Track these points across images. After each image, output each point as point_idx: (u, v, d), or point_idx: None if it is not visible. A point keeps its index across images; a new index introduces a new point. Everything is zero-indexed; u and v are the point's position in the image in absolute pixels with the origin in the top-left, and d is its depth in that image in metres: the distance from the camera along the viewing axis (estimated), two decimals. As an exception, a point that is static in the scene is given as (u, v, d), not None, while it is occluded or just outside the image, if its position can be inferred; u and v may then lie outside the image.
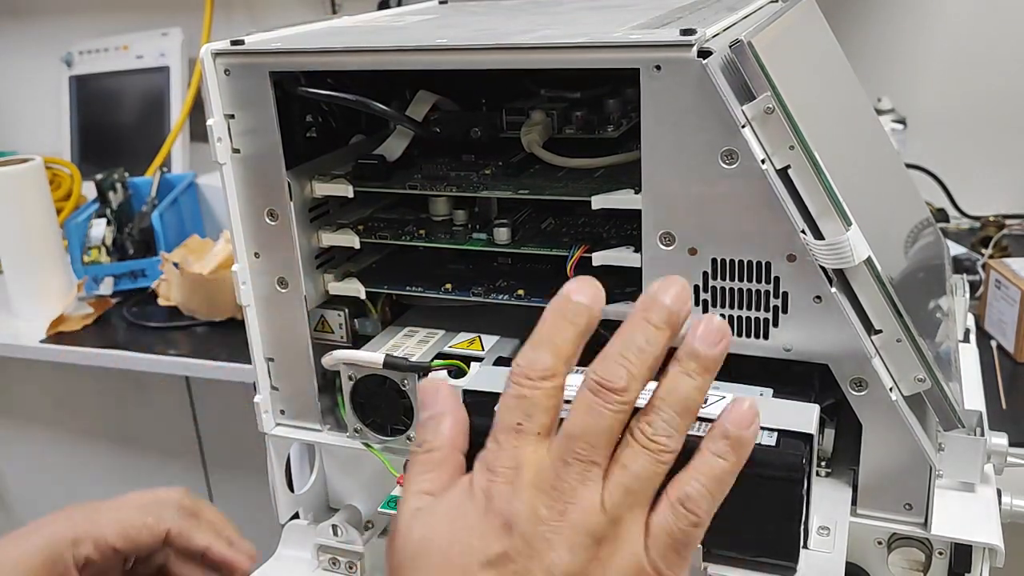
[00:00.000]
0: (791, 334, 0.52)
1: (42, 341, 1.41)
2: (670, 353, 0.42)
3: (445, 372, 0.60)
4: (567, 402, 0.51)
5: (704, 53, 0.48)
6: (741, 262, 0.52)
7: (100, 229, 1.46)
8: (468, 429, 0.43)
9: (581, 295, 0.42)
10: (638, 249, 0.55)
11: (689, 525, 0.39)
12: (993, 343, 1.09)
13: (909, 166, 1.36)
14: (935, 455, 0.52)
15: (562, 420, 0.41)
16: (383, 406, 0.62)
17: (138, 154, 1.75)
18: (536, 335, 0.42)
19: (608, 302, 0.58)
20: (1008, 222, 1.40)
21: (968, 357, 0.75)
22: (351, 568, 0.66)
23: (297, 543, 0.69)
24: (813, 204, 0.49)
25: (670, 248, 0.53)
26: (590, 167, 0.62)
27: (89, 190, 1.54)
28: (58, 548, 0.51)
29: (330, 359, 0.63)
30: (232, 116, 0.60)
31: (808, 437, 0.47)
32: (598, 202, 0.57)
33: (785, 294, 0.52)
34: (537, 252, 0.62)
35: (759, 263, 0.52)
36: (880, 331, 0.50)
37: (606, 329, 0.59)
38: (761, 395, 0.52)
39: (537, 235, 0.64)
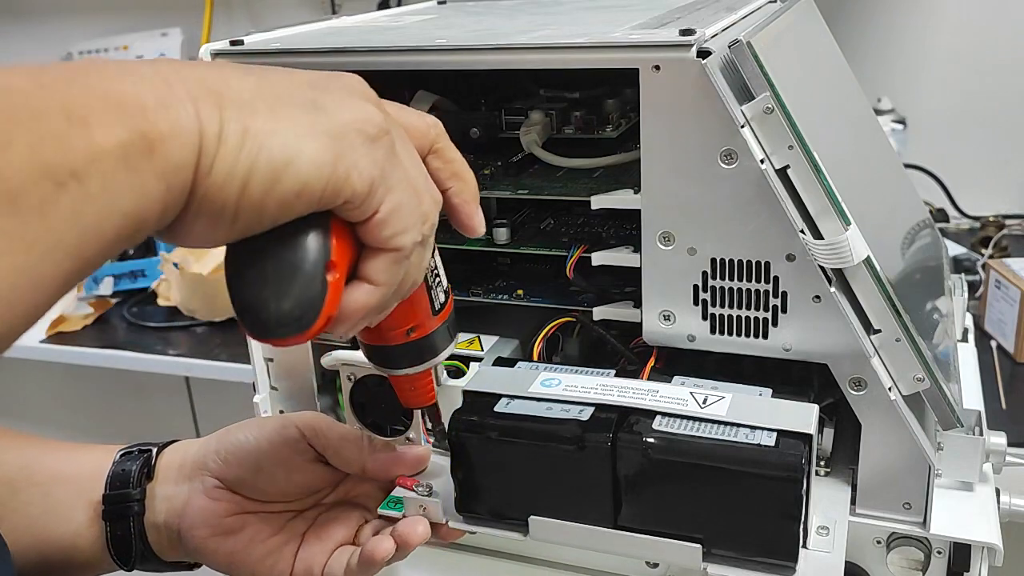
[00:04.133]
0: (790, 334, 0.52)
1: (42, 341, 1.41)
2: None
3: (444, 372, 0.60)
4: (575, 403, 0.51)
5: (703, 53, 0.48)
6: (740, 262, 0.52)
7: (100, 229, 1.46)
8: None
9: None
10: (637, 249, 0.55)
11: None
12: (993, 343, 1.09)
13: (909, 166, 1.36)
14: (934, 454, 0.52)
15: None
16: (382, 406, 0.62)
17: (138, 154, 1.75)
18: None
19: (607, 302, 0.59)
20: (1008, 222, 1.40)
21: (967, 357, 0.75)
22: (351, 568, 0.66)
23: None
24: (812, 204, 0.49)
25: (669, 248, 0.53)
26: (589, 167, 0.62)
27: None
28: (292, 424, 0.56)
29: (329, 359, 0.63)
30: (232, 116, 0.60)
31: (807, 437, 0.47)
32: (597, 202, 0.57)
33: (784, 294, 0.52)
34: (536, 252, 0.62)
35: (758, 263, 0.52)
36: (879, 331, 0.50)
37: (605, 329, 0.59)
38: (760, 395, 0.52)
39: (536, 235, 0.64)
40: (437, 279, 0.48)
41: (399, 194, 0.37)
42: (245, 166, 0.31)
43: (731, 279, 0.53)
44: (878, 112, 1.41)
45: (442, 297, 0.49)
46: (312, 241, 0.35)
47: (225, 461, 0.56)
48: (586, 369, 0.56)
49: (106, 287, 1.49)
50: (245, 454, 0.56)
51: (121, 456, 0.58)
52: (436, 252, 0.48)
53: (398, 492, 0.56)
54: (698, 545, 0.49)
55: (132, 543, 0.56)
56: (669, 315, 0.55)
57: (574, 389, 0.52)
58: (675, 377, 0.55)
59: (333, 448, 0.56)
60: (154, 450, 0.59)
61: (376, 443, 0.57)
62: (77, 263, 0.28)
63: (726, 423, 0.49)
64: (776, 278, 0.51)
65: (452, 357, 0.61)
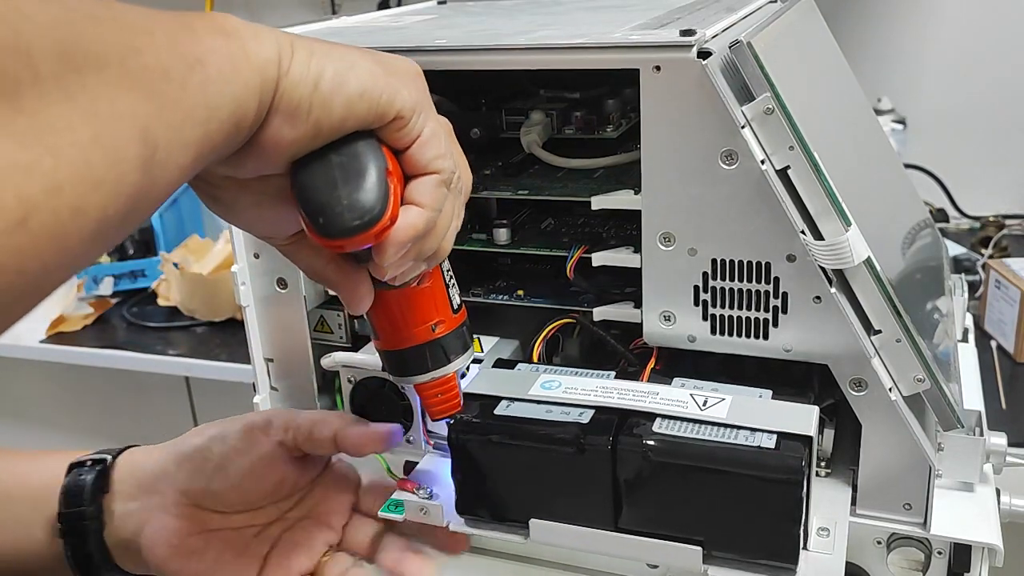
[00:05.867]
0: (791, 334, 0.52)
1: (42, 341, 1.41)
2: None
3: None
4: (575, 406, 0.51)
5: (704, 54, 0.48)
6: (741, 262, 0.52)
7: (100, 229, 1.46)
8: None
9: None
10: (638, 250, 0.55)
11: None
12: (993, 343, 1.09)
13: (909, 166, 1.36)
14: (934, 455, 0.52)
15: None
16: (382, 408, 0.62)
17: (138, 154, 1.75)
18: None
19: (608, 303, 0.59)
20: (1008, 222, 1.40)
21: (967, 357, 0.75)
22: (351, 568, 0.65)
23: (297, 543, 0.68)
24: (812, 204, 0.49)
25: (670, 248, 0.53)
26: (590, 167, 0.62)
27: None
28: (254, 422, 0.56)
29: (329, 361, 0.63)
30: (231, 117, 0.60)
31: (807, 439, 0.47)
32: (598, 203, 0.56)
33: (785, 294, 0.52)
34: (537, 252, 0.62)
35: (759, 263, 0.52)
36: (879, 331, 0.50)
37: (605, 330, 0.59)
38: (760, 396, 0.52)
39: (537, 235, 0.64)
40: (452, 280, 0.50)
41: (435, 123, 0.42)
42: (316, 70, 0.37)
43: (732, 280, 0.53)
44: (878, 112, 1.41)
45: (458, 299, 0.50)
46: (372, 151, 0.40)
47: (187, 471, 0.55)
48: (586, 371, 0.56)
49: (106, 287, 1.49)
50: (208, 463, 0.55)
51: (74, 468, 0.57)
52: (447, 260, 0.49)
53: (399, 495, 0.56)
54: (699, 547, 0.49)
55: (93, 559, 0.55)
56: (669, 316, 0.55)
57: (574, 391, 0.52)
58: (675, 379, 0.55)
59: (304, 432, 0.55)
60: (108, 459, 0.57)
61: (347, 418, 0.56)
62: (207, 135, 0.33)
63: (726, 425, 0.49)
64: (776, 279, 0.51)
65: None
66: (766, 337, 0.53)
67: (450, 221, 0.44)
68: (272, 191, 0.41)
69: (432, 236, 0.42)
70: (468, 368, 0.60)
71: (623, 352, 0.59)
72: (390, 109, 0.39)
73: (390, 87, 0.39)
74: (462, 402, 0.52)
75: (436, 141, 0.42)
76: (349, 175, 0.39)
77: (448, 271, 0.50)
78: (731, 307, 0.53)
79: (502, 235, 0.63)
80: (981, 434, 0.55)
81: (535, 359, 0.61)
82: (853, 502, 0.54)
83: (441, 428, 0.55)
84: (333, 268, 0.44)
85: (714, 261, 0.52)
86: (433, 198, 0.41)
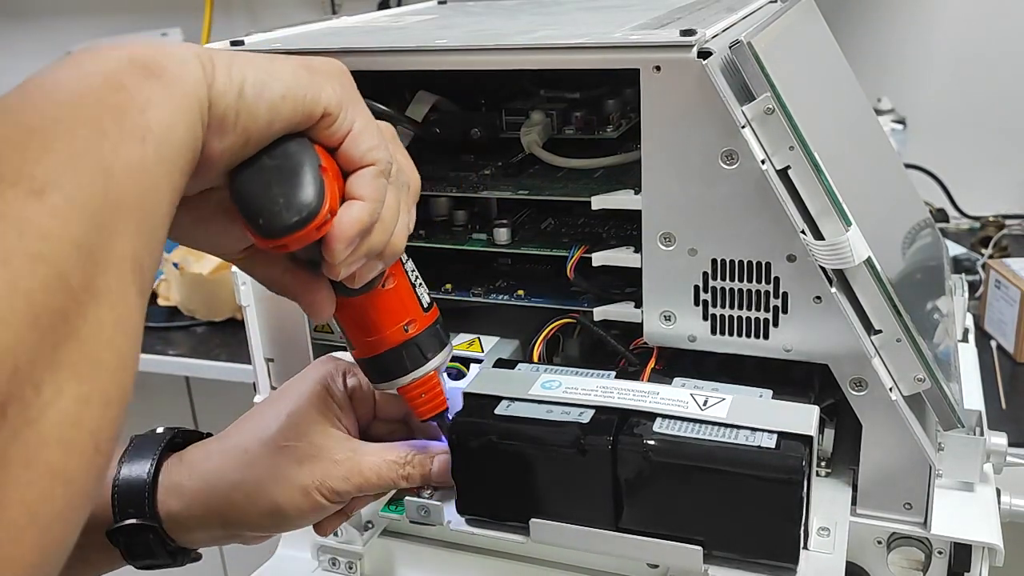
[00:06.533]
0: (791, 334, 0.52)
1: (42, 341, 1.40)
2: None
3: (446, 376, 0.60)
4: (576, 406, 0.51)
5: (704, 54, 0.48)
6: (741, 262, 0.52)
7: (100, 229, 1.45)
8: None
9: None
10: (638, 249, 0.55)
11: None
12: (993, 343, 1.09)
13: (909, 166, 1.36)
14: (935, 455, 0.52)
15: None
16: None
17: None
18: None
19: (608, 302, 0.59)
20: (1008, 222, 1.40)
21: (967, 357, 0.75)
22: (351, 568, 0.66)
23: (297, 543, 0.69)
24: (813, 204, 0.49)
25: (670, 248, 0.53)
26: (590, 167, 0.62)
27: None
28: (330, 374, 0.55)
29: (330, 360, 0.62)
30: (232, 117, 0.60)
31: (808, 439, 0.47)
32: (598, 202, 0.56)
33: (785, 294, 0.52)
34: (537, 252, 0.62)
35: (759, 263, 0.52)
36: (880, 331, 0.50)
37: (605, 330, 0.59)
38: (760, 396, 0.52)
39: (537, 235, 0.64)
40: (418, 279, 0.50)
41: (366, 117, 0.42)
42: (238, 78, 0.37)
43: (732, 280, 0.53)
44: (878, 112, 1.41)
45: (427, 298, 0.51)
46: (303, 151, 0.40)
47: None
48: (587, 371, 0.56)
49: (106, 287, 1.48)
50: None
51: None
52: (411, 260, 0.50)
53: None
54: (699, 547, 0.49)
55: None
56: (670, 315, 0.55)
57: (574, 391, 0.52)
58: (676, 378, 0.55)
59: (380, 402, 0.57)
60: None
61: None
62: (174, 192, 0.34)
63: (727, 425, 0.49)
64: (777, 279, 0.51)
65: (452, 359, 0.61)
66: (766, 337, 0.53)
67: (396, 215, 0.44)
68: (213, 205, 0.42)
69: (379, 230, 0.42)
70: (468, 368, 0.60)
71: (623, 352, 0.59)
72: (316, 107, 0.40)
73: (313, 85, 0.40)
74: (455, 401, 0.52)
75: (368, 134, 0.42)
76: (283, 175, 0.39)
77: (413, 271, 0.50)
78: (731, 307, 0.53)
79: (502, 235, 0.63)
80: (981, 434, 0.55)
81: (535, 359, 0.61)
82: (853, 502, 0.54)
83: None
84: (290, 277, 0.45)
85: (714, 261, 0.52)
86: (373, 189, 0.42)
